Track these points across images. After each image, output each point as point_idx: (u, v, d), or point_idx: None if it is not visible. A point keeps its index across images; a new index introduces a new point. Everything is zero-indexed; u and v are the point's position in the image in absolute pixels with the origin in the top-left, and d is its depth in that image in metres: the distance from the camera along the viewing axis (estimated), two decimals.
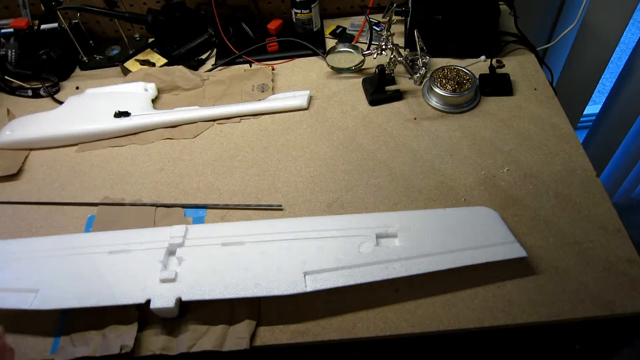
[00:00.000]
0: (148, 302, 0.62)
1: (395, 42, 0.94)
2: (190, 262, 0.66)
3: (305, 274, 0.63)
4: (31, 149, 0.91)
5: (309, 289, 0.62)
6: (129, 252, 0.68)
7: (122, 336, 0.62)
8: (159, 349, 0.61)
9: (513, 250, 0.65)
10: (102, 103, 0.95)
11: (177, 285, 0.63)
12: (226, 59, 1.05)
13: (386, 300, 0.64)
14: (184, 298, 0.62)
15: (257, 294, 0.62)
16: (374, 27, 1.07)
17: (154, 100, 0.98)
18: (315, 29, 1.08)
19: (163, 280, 0.64)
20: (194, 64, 1.06)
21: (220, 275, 0.64)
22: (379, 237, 0.68)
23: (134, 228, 0.75)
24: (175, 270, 0.65)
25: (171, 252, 0.68)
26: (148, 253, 0.68)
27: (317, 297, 0.65)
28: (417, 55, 0.91)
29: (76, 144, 0.92)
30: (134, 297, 0.62)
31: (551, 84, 0.93)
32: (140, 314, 0.64)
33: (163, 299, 0.62)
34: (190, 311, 0.65)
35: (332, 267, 0.64)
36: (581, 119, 1.51)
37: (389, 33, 0.94)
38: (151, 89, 0.98)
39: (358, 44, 1.03)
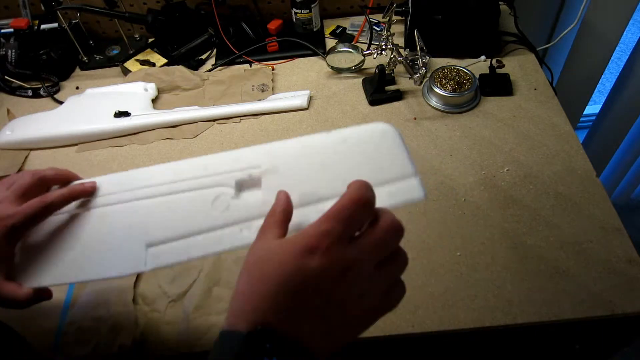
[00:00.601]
0: None
1: (395, 42, 0.94)
2: (36, 237, 0.53)
3: (147, 246, 0.48)
4: (31, 149, 0.91)
5: (148, 267, 0.47)
6: None
7: (121, 336, 0.62)
8: (159, 350, 0.61)
9: (409, 189, 0.43)
10: (102, 103, 0.95)
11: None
12: (226, 59, 1.05)
13: None
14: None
15: (82, 279, 0.50)
16: (374, 27, 1.07)
17: (154, 100, 0.98)
18: (315, 29, 1.08)
19: None
20: (194, 64, 1.06)
21: (57, 253, 0.51)
22: (239, 185, 0.49)
23: None
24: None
25: None
26: None
27: None
28: (417, 55, 0.91)
29: (76, 144, 0.92)
30: None
31: (551, 84, 0.93)
32: (140, 314, 0.64)
33: None
34: (190, 311, 0.65)
35: (180, 235, 0.48)
36: (581, 119, 1.51)
37: (389, 33, 0.94)
38: (151, 89, 0.98)
39: (358, 44, 1.03)
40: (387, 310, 0.36)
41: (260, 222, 0.41)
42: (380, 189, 0.43)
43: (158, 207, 0.51)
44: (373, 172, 0.45)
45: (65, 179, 0.55)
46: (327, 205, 0.37)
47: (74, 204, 0.53)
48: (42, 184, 0.54)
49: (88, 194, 0.54)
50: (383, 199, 0.42)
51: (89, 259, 0.50)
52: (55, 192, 0.53)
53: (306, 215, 0.43)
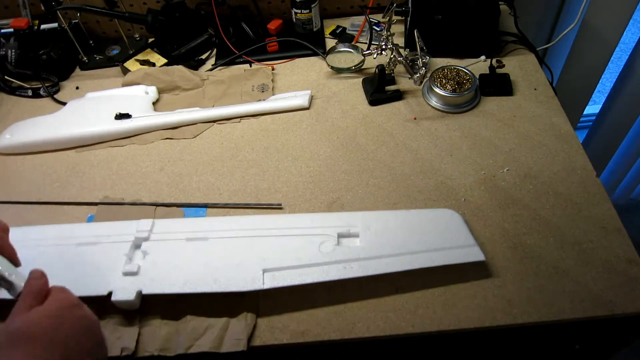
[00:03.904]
0: (110, 294, 0.63)
1: (395, 42, 0.94)
2: (154, 256, 0.67)
3: (264, 271, 0.64)
4: (31, 153, 0.91)
5: (266, 286, 0.63)
6: (97, 245, 0.69)
7: (122, 338, 0.62)
8: (157, 350, 0.61)
9: (472, 254, 0.65)
10: (103, 106, 0.95)
11: (139, 279, 0.65)
12: (226, 59, 1.05)
13: (386, 300, 0.64)
14: (144, 291, 0.63)
15: (215, 289, 0.63)
16: (374, 27, 1.07)
17: (154, 102, 0.98)
18: (315, 29, 1.08)
19: (126, 273, 0.65)
20: (194, 64, 1.06)
21: (182, 270, 0.65)
22: (340, 236, 0.68)
23: None
24: (138, 263, 0.66)
25: (137, 245, 0.69)
26: (114, 246, 0.69)
27: (317, 297, 0.65)
28: (417, 55, 0.91)
29: (77, 147, 0.91)
30: (97, 289, 0.63)
31: (551, 84, 0.93)
32: (139, 315, 0.64)
33: (124, 291, 0.63)
34: (187, 312, 0.65)
35: (291, 265, 0.65)
36: (581, 119, 1.51)
37: (389, 33, 0.94)
38: (152, 91, 0.98)
39: (358, 44, 1.03)
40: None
41: (357, 263, 0.64)
42: (449, 251, 0.65)
43: (272, 244, 0.67)
44: (443, 241, 0.66)
45: None
46: (414, 257, 0.65)
47: (194, 234, 0.69)
48: None
49: None
50: (455, 258, 0.65)
51: (212, 275, 0.64)
52: None
53: (400, 264, 0.64)
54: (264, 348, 0.62)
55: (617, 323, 0.64)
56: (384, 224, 0.69)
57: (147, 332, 0.63)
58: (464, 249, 0.66)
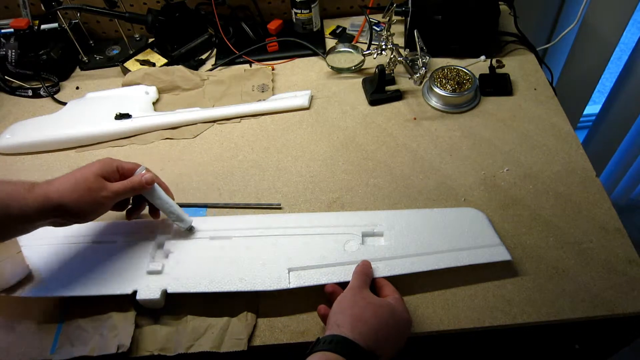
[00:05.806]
0: (135, 293, 0.63)
1: (395, 42, 0.94)
2: (177, 255, 0.67)
3: (289, 270, 0.64)
4: (31, 153, 0.91)
5: (292, 285, 0.63)
6: (118, 244, 0.69)
7: (119, 336, 0.62)
8: (157, 350, 0.61)
9: (498, 253, 0.65)
10: (103, 106, 0.95)
11: (164, 278, 0.64)
12: (226, 59, 1.05)
13: None
14: (169, 290, 0.63)
15: (241, 288, 0.63)
16: (374, 27, 1.07)
17: (154, 102, 0.98)
18: (315, 29, 1.08)
19: (150, 272, 0.65)
20: (194, 64, 1.06)
21: (206, 269, 0.65)
22: (365, 235, 0.68)
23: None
24: (162, 262, 0.66)
25: (159, 244, 0.69)
26: (136, 245, 0.68)
27: (317, 297, 0.65)
28: (417, 55, 0.91)
29: (77, 147, 0.91)
30: (121, 288, 0.63)
31: (551, 84, 0.93)
32: (138, 314, 0.64)
33: (149, 290, 0.63)
34: (188, 312, 0.65)
35: (316, 265, 0.64)
36: (581, 119, 1.51)
37: (389, 33, 0.94)
38: (152, 92, 0.98)
39: (358, 44, 1.03)
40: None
41: (383, 263, 0.64)
42: (474, 251, 0.65)
43: (296, 243, 0.67)
44: (468, 241, 0.66)
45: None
46: (432, 257, 0.65)
47: (217, 233, 0.69)
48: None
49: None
50: (481, 257, 0.64)
51: (237, 274, 0.64)
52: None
53: (422, 262, 0.65)
54: (264, 348, 0.62)
55: (617, 323, 0.65)
56: (408, 223, 0.69)
57: (147, 332, 0.63)
58: (489, 249, 0.65)
